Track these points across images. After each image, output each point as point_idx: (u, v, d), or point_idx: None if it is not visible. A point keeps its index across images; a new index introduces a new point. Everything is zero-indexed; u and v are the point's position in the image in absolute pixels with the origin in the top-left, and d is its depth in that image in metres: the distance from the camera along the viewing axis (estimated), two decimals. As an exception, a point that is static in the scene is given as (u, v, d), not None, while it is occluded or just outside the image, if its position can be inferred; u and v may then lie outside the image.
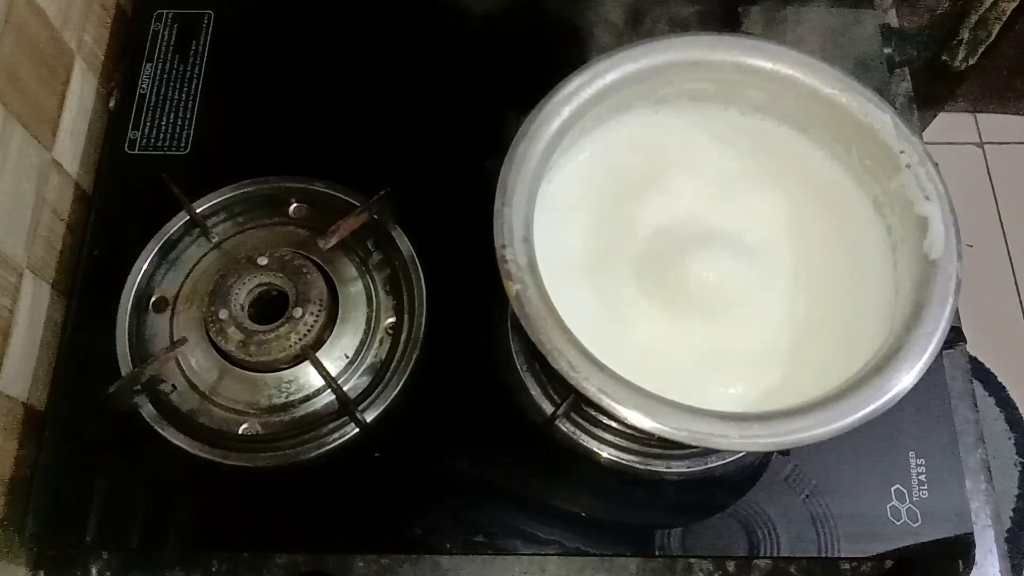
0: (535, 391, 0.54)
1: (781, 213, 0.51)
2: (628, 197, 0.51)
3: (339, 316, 0.56)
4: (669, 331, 0.48)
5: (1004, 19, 0.93)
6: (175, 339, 0.55)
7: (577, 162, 0.52)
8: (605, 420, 0.52)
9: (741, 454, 0.53)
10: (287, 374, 0.54)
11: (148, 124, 0.63)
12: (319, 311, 0.54)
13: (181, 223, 0.58)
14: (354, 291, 0.57)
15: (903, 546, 0.52)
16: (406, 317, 0.56)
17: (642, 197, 0.51)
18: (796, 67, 0.49)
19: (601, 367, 0.40)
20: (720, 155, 0.53)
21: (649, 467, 0.52)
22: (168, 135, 0.63)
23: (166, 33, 0.66)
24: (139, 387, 0.52)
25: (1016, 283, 1.38)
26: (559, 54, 0.55)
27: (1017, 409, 1.28)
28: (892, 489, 0.53)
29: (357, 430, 0.53)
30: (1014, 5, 0.91)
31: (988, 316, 1.28)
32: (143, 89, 0.64)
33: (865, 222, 0.50)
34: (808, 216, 0.51)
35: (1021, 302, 1.36)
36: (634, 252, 0.50)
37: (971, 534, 0.53)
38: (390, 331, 0.57)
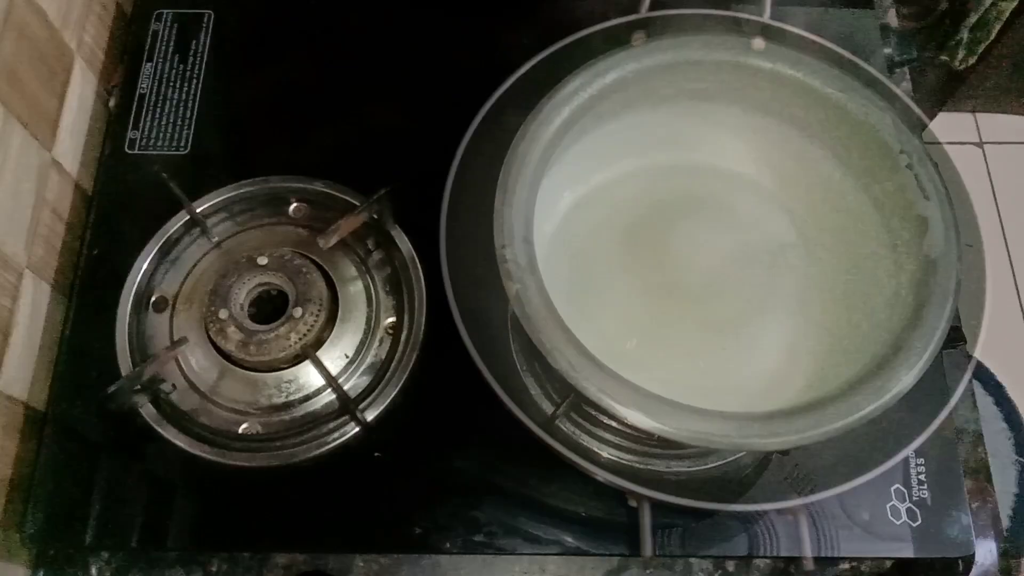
0: (535, 391, 0.54)
1: (781, 212, 0.51)
2: (624, 186, 0.51)
3: (339, 316, 0.56)
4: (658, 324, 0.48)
5: (1004, 19, 0.93)
6: (175, 339, 0.55)
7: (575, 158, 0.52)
8: (605, 420, 0.52)
9: (741, 454, 0.53)
10: (287, 374, 0.54)
11: (148, 124, 0.63)
12: (319, 311, 0.54)
13: (181, 223, 0.58)
14: (354, 291, 0.57)
15: (903, 546, 0.52)
16: (406, 317, 0.56)
17: (639, 187, 0.51)
18: (796, 67, 0.49)
19: (601, 367, 0.40)
20: (719, 154, 0.53)
21: (649, 467, 0.52)
22: (168, 135, 0.63)
23: (166, 33, 0.66)
24: (139, 387, 0.52)
25: (1016, 283, 1.38)
26: (559, 53, 0.55)
27: (1017, 409, 1.28)
28: (892, 489, 0.53)
29: (357, 429, 0.53)
30: (1013, 5, 0.91)
31: (988, 316, 1.28)
32: (143, 89, 0.64)
33: (865, 222, 0.50)
34: (808, 215, 0.51)
35: (1021, 302, 1.36)
36: (624, 222, 0.50)
37: (971, 534, 0.52)
38: (390, 331, 0.57)
